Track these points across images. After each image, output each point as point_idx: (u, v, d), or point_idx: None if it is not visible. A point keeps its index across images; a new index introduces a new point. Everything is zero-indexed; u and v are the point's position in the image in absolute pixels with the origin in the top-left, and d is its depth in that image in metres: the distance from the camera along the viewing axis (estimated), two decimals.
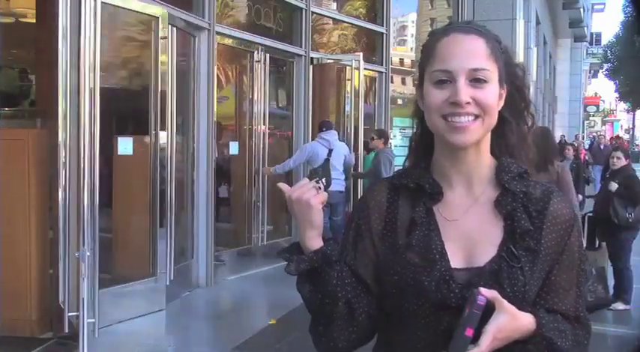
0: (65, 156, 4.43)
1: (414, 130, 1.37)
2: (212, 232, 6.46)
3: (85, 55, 4.43)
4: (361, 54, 8.37)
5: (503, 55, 1.27)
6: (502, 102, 1.26)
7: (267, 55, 7.44)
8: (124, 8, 5.34)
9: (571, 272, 1.27)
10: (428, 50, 1.26)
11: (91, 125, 4.44)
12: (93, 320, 4.44)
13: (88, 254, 4.34)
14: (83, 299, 4.33)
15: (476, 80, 1.20)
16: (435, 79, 1.21)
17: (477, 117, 1.20)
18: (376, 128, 8.47)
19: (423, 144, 1.34)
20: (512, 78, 1.30)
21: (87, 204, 4.40)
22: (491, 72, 1.22)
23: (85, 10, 4.47)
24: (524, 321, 1.18)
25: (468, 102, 1.18)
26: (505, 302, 1.15)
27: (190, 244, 6.41)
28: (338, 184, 7.21)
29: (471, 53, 1.21)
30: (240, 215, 7.69)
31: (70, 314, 4.42)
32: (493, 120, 1.24)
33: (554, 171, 5.06)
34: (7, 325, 4.59)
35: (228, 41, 7.15)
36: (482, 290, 1.14)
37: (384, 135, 7.65)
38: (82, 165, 4.40)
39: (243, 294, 6.50)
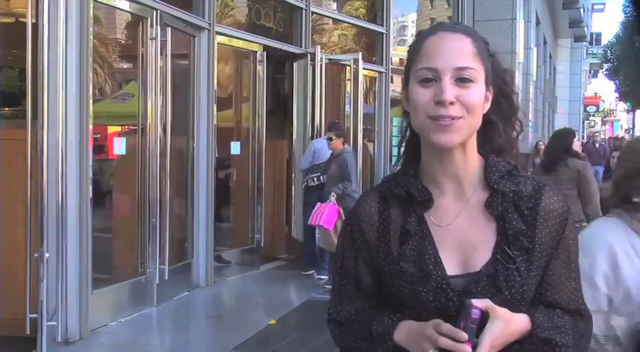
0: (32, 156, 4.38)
1: (403, 133, 1.35)
2: (212, 232, 6.46)
3: (63, 55, 4.43)
4: (360, 54, 8.34)
5: (490, 58, 1.26)
6: (488, 105, 1.25)
7: (267, 55, 7.43)
8: (114, 7, 5.35)
9: (568, 266, 1.26)
10: (414, 49, 1.24)
11: (43, 122, 4.33)
12: (54, 323, 4.34)
13: (47, 255, 4.26)
14: (42, 301, 4.23)
15: (461, 79, 1.18)
16: (421, 77, 1.20)
17: (460, 117, 1.18)
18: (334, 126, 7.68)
19: (411, 146, 1.32)
20: (500, 83, 1.28)
21: (45, 204, 4.31)
22: (477, 72, 1.20)
23: (78, 10, 4.48)
24: (519, 323, 1.18)
25: (452, 103, 1.16)
26: (498, 308, 1.15)
27: (190, 244, 6.41)
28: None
29: (456, 52, 1.19)
30: (241, 214, 7.69)
31: (30, 315, 4.31)
32: (477, 120, 1.22)
33: (574, 168, 5.10)
34: (7, 325, 4.59)
35: (228, 41, 7.15)
36: (475, 302, 1.14)
37: (342, 135, 6.98)
38: (44, 165, 4.33)
39: (243, 294, 6.50)
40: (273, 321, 5.37)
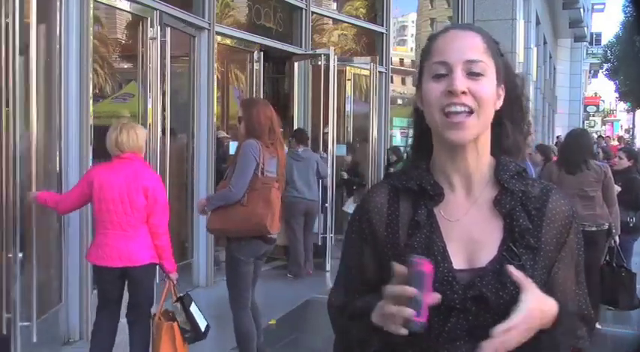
0: None
1: (413, 131, 1.37)
2: None
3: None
4: (377, 57, 8.24)
5: (502, 58, 1.28)
6: (500, 103, 1.27)
7: (267, 55, 7.43)
8: (114, 7, 5.35)
9: (572, 270, 1.27)
10: (426, 49, 1.28)
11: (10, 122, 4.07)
12: (28, 323, 4.20)
13: (20, 255, 4.11)
14: (15, 301, 4.09)
15: (472, 73, 1.21)
16: (434, 72, 1.23)
17: (472, 111, 1.20)
18: None
19: (422, 144, 1.34)
20: (511, 86, 1.31)
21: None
22: (487, 65, 1.23)
23: (78, 10, 4.48)
24: (550, 304, 1.18)
25: (464, 92, 1.19)
26: (531, 283, 1.15)
27: (190, 244, 6.41)
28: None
29: (467, 46, 1.23)
30: None
31: (6, 315, 4.13)
32: (488, 116, 1.24)
33: (600, 170, 5.07)
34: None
35: (227, 41, 7.15)
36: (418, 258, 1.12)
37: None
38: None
39: None
40: (273, 321, 5.37)
